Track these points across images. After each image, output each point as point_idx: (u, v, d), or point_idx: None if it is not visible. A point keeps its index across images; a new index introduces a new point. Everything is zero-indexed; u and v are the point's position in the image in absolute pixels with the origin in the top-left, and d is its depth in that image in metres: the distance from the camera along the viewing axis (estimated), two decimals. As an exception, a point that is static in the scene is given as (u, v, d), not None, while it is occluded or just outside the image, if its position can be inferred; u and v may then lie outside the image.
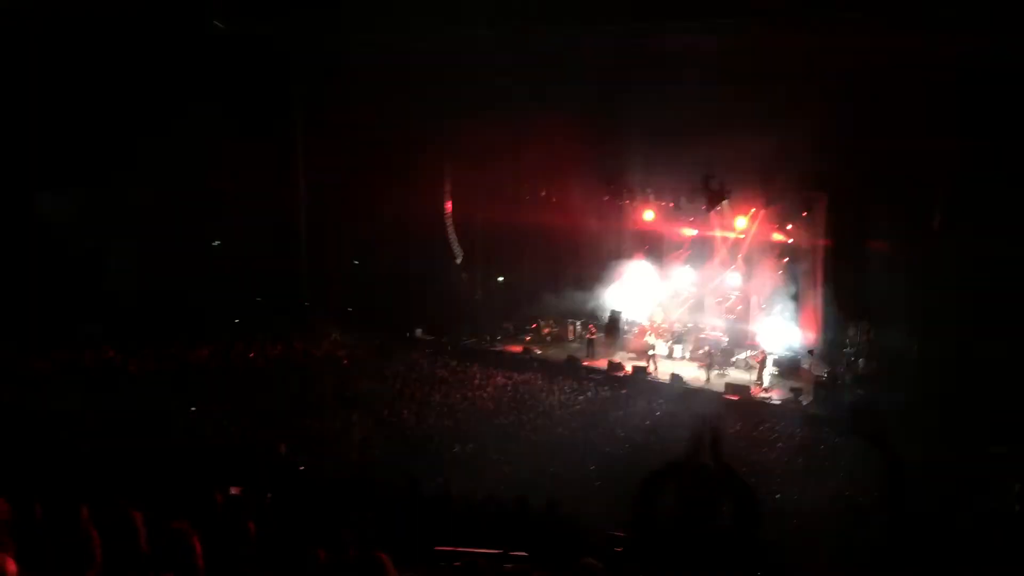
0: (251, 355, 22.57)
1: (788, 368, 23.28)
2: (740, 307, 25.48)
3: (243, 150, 24.85)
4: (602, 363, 24.39)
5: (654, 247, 26.81)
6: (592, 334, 25.73)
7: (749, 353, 23.67)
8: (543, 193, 27.03)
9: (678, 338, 25.31)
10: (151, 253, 24.62)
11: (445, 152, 27.16)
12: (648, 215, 26.16)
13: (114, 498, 4.61)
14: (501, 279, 28.58)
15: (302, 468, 13.75)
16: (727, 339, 24.87)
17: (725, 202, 23.82)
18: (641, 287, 26.88)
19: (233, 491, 7.41)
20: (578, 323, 27.08)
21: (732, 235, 24.96)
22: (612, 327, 26.36)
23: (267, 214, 26.76)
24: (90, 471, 8.54)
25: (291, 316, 26.36)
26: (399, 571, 4.58)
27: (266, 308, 26.22)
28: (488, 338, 26.60)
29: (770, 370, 22.91)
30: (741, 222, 24.52)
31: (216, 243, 26.43)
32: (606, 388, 22.49)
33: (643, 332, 25.70)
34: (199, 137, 23.92)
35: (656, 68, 21.57)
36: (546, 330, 26.95)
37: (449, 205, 28.53)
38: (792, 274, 24.02)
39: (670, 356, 24.79)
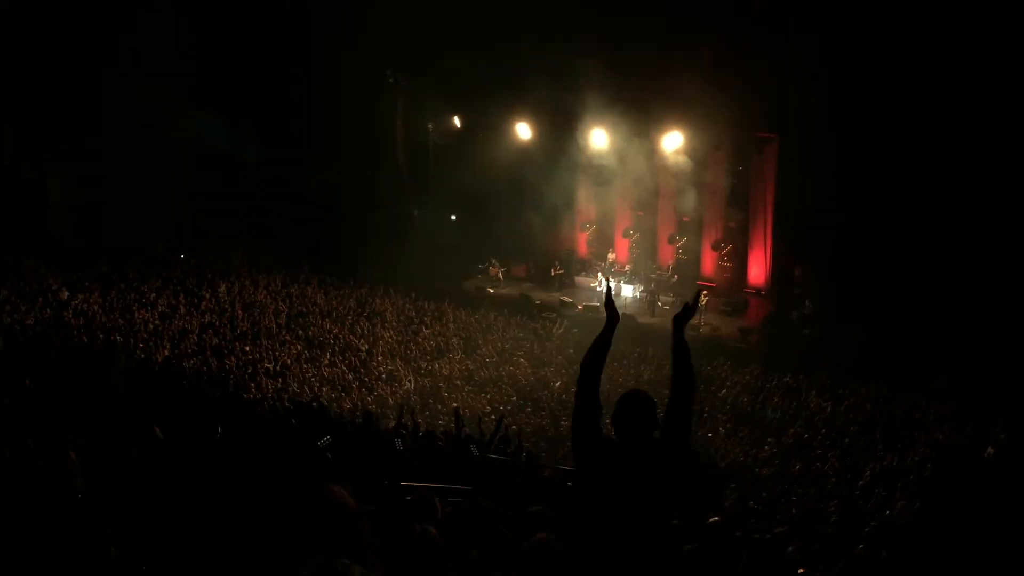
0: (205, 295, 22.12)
1: (737, 307, 23.55)
2: (688, 246, 25.48)
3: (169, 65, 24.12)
4: (554, 301, 24.48)
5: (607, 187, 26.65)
6: (555, 270, 25.90)
7: (698, 294, 23.83)
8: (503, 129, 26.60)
9: (629, 278, 25.39)
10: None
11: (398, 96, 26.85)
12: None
13: (56, 432, 4.46)
14: (454, 217, 28.32)
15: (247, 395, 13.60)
16: (676, 278, 25.02)
17: (680, 142, 23.74)
18: (594, 227, 26.93)
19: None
20: (530, 262, 27.07)
21: (684, 174, 24.84)
22: (565, 266, 26.43)
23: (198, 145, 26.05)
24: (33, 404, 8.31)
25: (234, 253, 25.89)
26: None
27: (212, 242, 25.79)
28: (441, 276, 26.45)
29: (721, 309, 23.25)
30: (693, 160, 24.40)
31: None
32: (558, 326, 22.58)
33: (596, 271, 25.85)
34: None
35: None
36: (493, 270, 26.78)
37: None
38: (742, 214, 24.12)
39: (618, 295, 24.84)
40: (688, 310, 4.35)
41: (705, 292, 23.39)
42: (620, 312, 4.46)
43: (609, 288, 4.37)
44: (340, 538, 2.54)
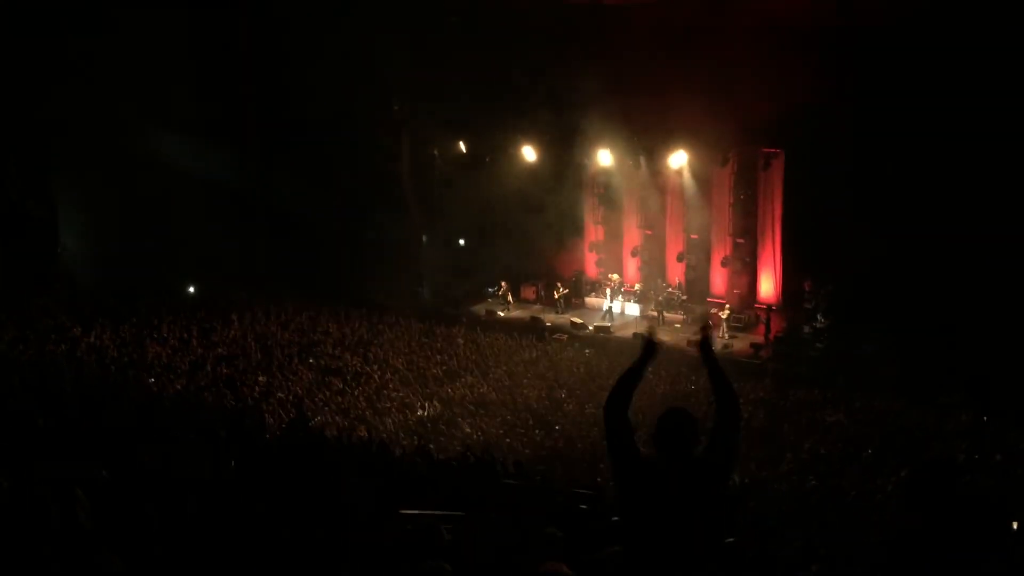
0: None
1: (748, 323, 23.47)
2: (698, 264, 25.39)
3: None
4: (565, 323, 24.47)
5: (614, 207, 26.63)
6: (559, 292, 25.89)
7: (712, 310, 23.75)
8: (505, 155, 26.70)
9: (637, 297, 25.37)
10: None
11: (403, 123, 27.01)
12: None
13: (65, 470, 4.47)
14: (462, 242, 28.36)
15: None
16: (685, 296, 24.96)
17: (685, 160, 23.76)
18: (602, 246, 26.91)
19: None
20: (539, 284, 27.10)
21: (691, 192, 24.83)
22: (574, 287, 26.44)
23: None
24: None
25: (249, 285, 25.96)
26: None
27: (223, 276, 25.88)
28: (451, 301, 26.50)
29: (731, 324, 23.13)
30: (699, 178, 24.37)
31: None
32: (569, 347, 22.54)
33: (604, 291, 25.83)
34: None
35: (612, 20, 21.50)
36: (500, 291, 26.83)
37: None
38: (751, 231, 24.05)
39: (622, 313, 24.95)
40: (705, 333, 4.36)
41: (715, 310, 23.31)
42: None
43: (653, 323, 4.42)
44: None
